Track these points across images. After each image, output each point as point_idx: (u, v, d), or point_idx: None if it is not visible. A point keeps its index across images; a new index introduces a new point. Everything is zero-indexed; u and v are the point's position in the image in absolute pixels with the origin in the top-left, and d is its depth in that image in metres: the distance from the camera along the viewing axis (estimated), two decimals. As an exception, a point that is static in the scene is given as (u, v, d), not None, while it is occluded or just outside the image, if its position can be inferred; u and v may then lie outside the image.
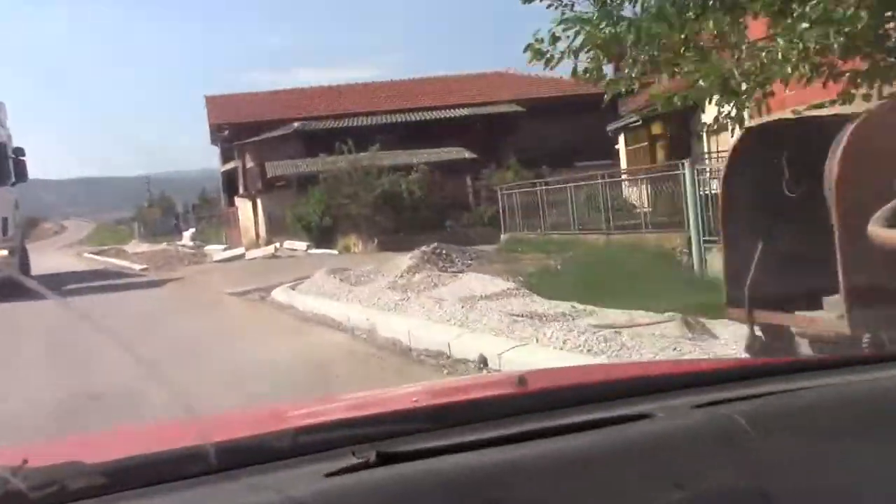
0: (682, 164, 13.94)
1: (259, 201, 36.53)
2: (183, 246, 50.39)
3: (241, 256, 27.14)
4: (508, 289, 12.32)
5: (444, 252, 16.16)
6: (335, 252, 25.75)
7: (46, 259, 50.33)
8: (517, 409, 1.35)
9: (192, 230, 63.65)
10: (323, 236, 27.69)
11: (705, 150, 27.84)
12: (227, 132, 40.83)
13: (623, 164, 33.79)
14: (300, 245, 26.56)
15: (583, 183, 17.72)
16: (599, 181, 17.33)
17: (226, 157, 43.00)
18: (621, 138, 34.57)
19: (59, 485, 1.04)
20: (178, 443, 1.24)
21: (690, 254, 12.75)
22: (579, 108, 38.54)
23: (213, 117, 40.12)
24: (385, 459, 1.13)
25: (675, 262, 13.01)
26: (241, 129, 38.28)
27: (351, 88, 42.02)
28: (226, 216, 42.92)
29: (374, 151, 29.38)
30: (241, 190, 39.99)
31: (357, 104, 39.94)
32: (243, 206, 40.03)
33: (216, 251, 29.78)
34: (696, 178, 13.04)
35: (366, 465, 1.12)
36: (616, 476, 1.17)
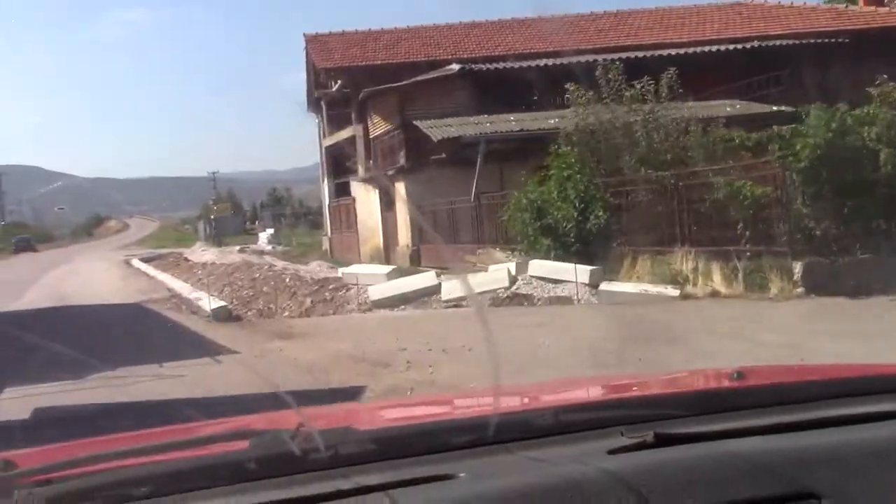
0: None
1: (402, 187, 21.35)
2: (261, 252, 35.55)
3: (433, 293, 11.73)
4: None
5: None
6: (668, 291, 10.27)
7: (83, 264, 35.94)
8: (780, 400, 1.28)
9: (270, 231, 48.99)
10: (581, 249, 12.42)
11: None
12: (339, 82, 25.84)
13: None
14: (560, 268, 11.03)
15: None
16: None
17: (333, 125, 27.90)
18: None
19: (332, 449, 1.03)
20: (446, 416, 1.34)
21: None
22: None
23: (320, 60, 25.00)
24: (662, 441, 1.07)
25: None
26: (362, 75, 23.30)
27: (519, 23, 26.55)
28: (336, 212, 27.69)
29: (665, 99, 13.99)
30: (360, 171, 24.89)
31: (538, 42, 24.61)
32: (364, 198, 24.90)
33: (360, 275, 13.96)
34: None
35: (645, 445, 1.07)
36: None
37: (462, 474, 1.03)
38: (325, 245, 29.21)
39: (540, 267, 11.42)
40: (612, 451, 1.07)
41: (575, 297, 10.59)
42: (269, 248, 42.02)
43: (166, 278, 22.19)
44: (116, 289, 19.61)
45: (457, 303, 11.16)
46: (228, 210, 63.33)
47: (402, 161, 21.22)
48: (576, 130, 13.90)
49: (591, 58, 21.07)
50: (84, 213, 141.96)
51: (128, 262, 35.20)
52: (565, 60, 21.45)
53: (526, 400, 1.57)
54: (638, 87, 14.02)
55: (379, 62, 23.96)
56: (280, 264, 20.88)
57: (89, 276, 26.06)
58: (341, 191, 27.35)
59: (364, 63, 24.16)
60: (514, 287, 11.15)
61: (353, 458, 1.05)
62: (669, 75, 14.07)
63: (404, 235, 21.45)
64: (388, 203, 23.14)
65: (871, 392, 1.32)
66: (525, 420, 1.22)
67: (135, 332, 11.07)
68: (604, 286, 10.55)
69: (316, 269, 18.41)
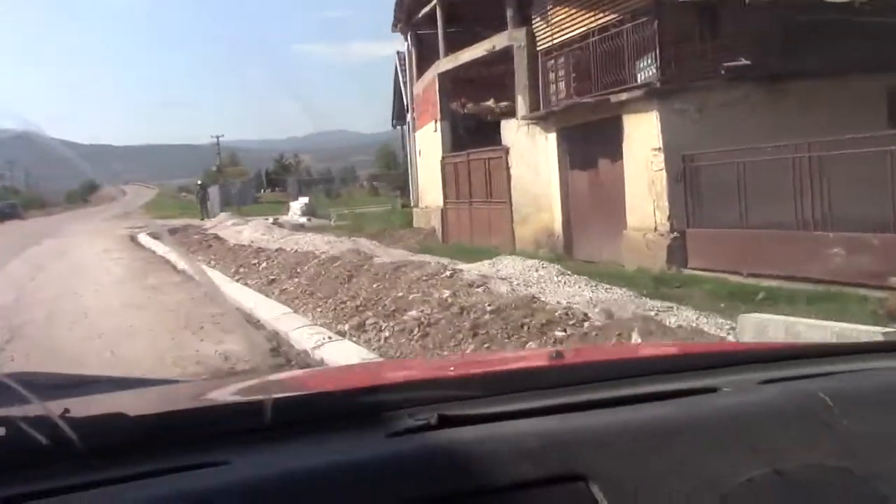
0: None
1: (646, 121, 11.34)
2: (302, 227, 25.68)
3: None
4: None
5: None
6: None
7: (73, 240, 25.74)
8: (571, 380, 1.21)
9: (304, 201, 38.83)
10: None
11: None
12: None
13: None
14: None
15: None
16: None
17: (460, 38, 17.72)
18: None
19: (101, 436, 0.94)
20: (231, 399, 1.17)
21: None
22: None
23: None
24: (446, 422, 1.01)
25: None
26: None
27: None
28: (454, 173, 17.34)
29: None
30: (520, 105, 14.77)
31: None
32: (527, 148, 14.79)
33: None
34: None
35: (427, 427, 1.00)
36: (692, 447, 1.01)
37: (231, 461, 0.92)
38: (425, 222, 19.15)
39: None
40: (390, 435, 0.99)
41: None
42: (304, 220, 32.35)
43: (218, 281, 12.11)
44: (126, 308, 9.53)
45: None
46: (246, 175, 52.69)
47: (648, 73, 11.19)
48: None
49: None
50: (79, 179, 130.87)
51: (133, 239, 25.09)
52: None
53: (315, 383, 1.44)
54: None
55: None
56: (420, 259, 10.82)
57: (76, 269, 15.94)
58: (462, 141, 17.24)
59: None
60: None
61: (122, 446, 0.94)
62: None
63: (646, 211, 11.47)
64: (579, 155, 13.15)
65: (667, 371, 1.26)
66: (310, 404, 1.10)
67: None
68: None
69: (569, 283, 8.41)
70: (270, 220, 30.26)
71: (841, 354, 1.40)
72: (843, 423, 1.07)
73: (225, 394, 1.31)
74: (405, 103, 22.05)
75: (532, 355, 1.93)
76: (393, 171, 66.14)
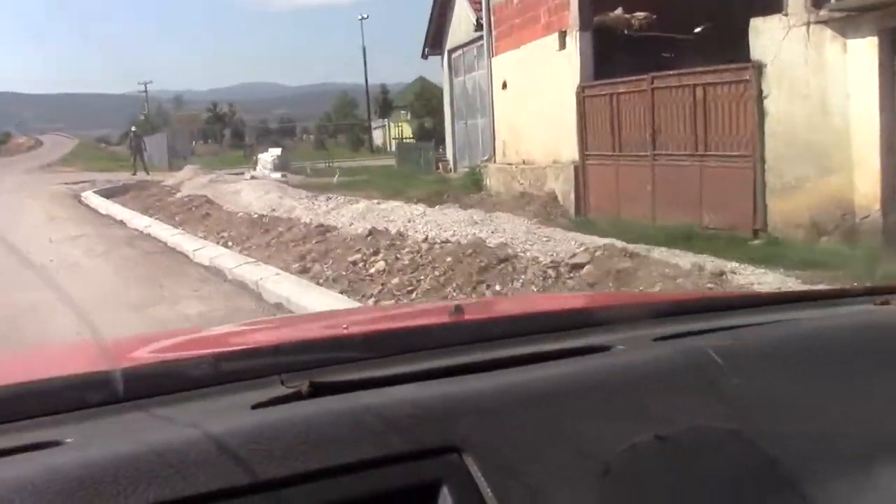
0: None
1: None
2: (286, 181, 19.10)
3: None
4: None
5: None
6: None
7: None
8: (460, 339, 1.10)
9: (276, 153, 31.58)
10: None
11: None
12: None
13: None
14: None
15: None
16: None
17: None
18: None
19: None
20: (79, 368, 1.05)
21: None
22: None
23: None
24: (319, 390, 0.92)
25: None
26: None
27: None
28: (612, 109, 10.85)
29: None
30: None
31: None
32: (806, 69, 8.58)
33: None
34: None
35: (297, 396, 0.90)
36: (576, 412, 0.93)
37: (67, 440, 0.81)
38: (529, 184, 12.82)
39: None
40: (256, 406, 0.88)
41: None
42: (278, 175, 25.60)
43: (307, 300, 5.71)
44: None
45: None
46: (199, 121, 44.41)
47: None
48: None
49: None
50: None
51: (80, 200, 18.07)
52: None
53: (178, 347, 1.28)
54: None
55: None
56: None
57: (14, 265, 9.06)
58: (620, 63, 10.90)
59: None
60: None
61: None
62: None
63: None
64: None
65: (567, 328, 1.15)
66: (170, 371, 1.00)
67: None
68: None
69: None
70: (248, 175, 23.97)
71: (748, 307, 1.31)
72: (733, 381, 0.99)
73: (71, 361, 1.15)
74: (479, 18, 15.49)
75: (433, 310, 1.59)
76: (346, 122, 59.15)
